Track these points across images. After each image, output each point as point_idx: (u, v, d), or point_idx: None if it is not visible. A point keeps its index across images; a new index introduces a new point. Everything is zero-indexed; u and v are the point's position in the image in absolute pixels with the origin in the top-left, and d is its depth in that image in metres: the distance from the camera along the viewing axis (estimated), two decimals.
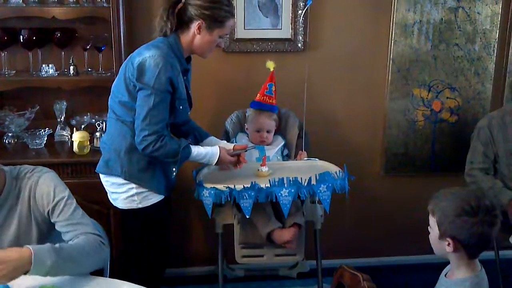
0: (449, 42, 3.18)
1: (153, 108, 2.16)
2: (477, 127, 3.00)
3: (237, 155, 2.45)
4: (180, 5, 2.24)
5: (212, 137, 2.60)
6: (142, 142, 2.18)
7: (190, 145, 2.31)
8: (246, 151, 2.52)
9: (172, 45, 2.26)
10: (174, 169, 2.31)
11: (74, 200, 1.89)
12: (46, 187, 1.84)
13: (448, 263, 1.79)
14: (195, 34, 2.27)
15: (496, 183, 2.90)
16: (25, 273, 1.58)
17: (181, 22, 2.27)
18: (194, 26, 2.25)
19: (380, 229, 3.44)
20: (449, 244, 1.65)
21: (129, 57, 2.28)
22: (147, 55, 2.17)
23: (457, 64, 3.22)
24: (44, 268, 1.60)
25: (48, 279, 1.65)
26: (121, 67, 2.31)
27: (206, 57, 2.39)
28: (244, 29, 3.03)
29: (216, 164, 2.39)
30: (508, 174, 2.92)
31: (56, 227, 1.86)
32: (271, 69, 2.77)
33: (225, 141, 2.62)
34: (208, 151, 2.35)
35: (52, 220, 1.85)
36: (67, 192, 1.87)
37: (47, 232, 1.90)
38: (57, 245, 1.67)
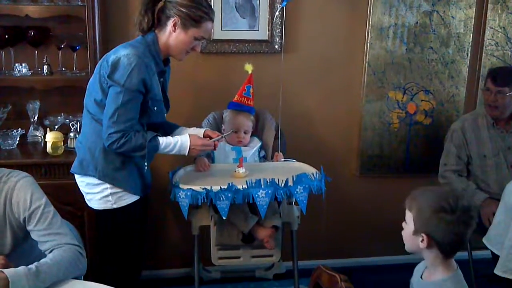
0: (424, 46, 3.22)
1: (121, 106, 2.15)
2: (451, 130, 3.05)
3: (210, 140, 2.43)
4: (160, 4, 2.24)
5: (182, 127, 2.53)
6: (108, 139, 2.17)
7: (158, 137, 2.28)
8: (222, 137, 2.51)
9: (150, 45, 2.25)
10: (145, 163, 2.28)
11: (52, 208, 1.82)
12: (22, 194, 1.77)
13: (416, 263, 1.80)
14: (171, 32, 2.26)
15: (469, 185, 2.95)
16: None
17: (160, 21, 2.27)
18: (170, 23, 2.24)
19: (356, 230, 3.46)
20: (422, 240, 1.64)
21: (105, 55, 2.26)
22: (122, 53, 2.16)
23: (432, 67, 3.26)
24: None
25: None
26: (97, 65, 2.29)
27: (180, 59, 2.37)
28: (221, 30, 3.02)
29: (189, 152, 2.34)
30: (480, 175, 2.97)
31: (32, 236, 1.80)
32: (249, 72, 2.77)
33: (195, 127, 2.55)
34: (177, 140, 2.31)
35: (28, 228, 1.79)
36: (44, 199, 1.81)
37: (22, 237, 1.83)
38: (33, 266, 1.61)
